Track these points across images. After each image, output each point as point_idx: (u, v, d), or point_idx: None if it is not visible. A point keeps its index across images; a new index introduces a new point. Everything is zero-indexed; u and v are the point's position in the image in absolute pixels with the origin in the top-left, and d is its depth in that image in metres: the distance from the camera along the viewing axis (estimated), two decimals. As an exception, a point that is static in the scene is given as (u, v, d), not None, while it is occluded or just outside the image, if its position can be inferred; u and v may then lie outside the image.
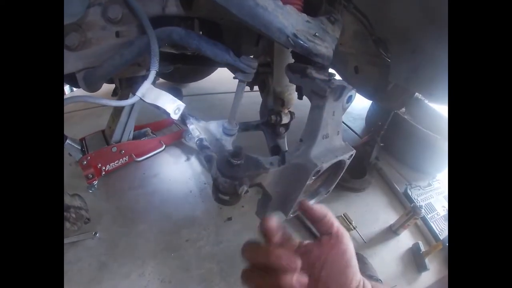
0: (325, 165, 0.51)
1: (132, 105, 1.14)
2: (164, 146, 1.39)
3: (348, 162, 0.63)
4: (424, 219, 1.43)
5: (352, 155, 0.61)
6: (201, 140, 0.63)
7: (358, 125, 2.24)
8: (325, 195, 0.68)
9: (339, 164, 0.61)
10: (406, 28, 0.82)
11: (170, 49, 1.08)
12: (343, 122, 2.21)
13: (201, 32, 1.31)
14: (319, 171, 0.50)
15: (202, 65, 1.58)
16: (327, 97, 0.52)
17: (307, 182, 0.51)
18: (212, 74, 2.14)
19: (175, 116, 0.62)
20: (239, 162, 0.43)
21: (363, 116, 2.26)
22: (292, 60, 0.84)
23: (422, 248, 1.29)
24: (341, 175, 0.66)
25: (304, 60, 0.58)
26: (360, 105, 2.33)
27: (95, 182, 1.17)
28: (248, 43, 1.12)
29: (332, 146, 0.56)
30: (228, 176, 0.42)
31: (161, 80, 2.03)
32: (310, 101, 0.55)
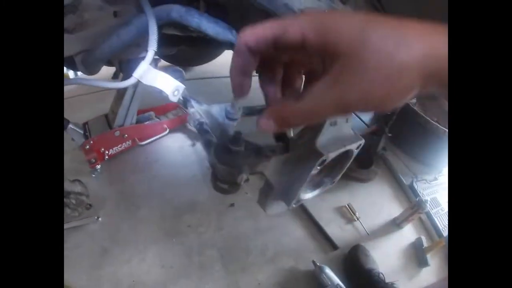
0: (332, 155, 0.48)
1: (135, 88, 1.11)
2: (167, 130, 1.37)
3: (356, 152, 0.59)
4: (428, 214, 1.40)
5: (360, 144, 0.58)
6: (201, 124, 0.60)
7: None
8: (330, 185, 0.66)
9: (347, 153, 0.57)
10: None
11: (174, 31, 1.03)
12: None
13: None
14: (325, 160, 0.47)
15: (207, 47, 1.53)
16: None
17: (312, 172, 0.48)
18: (218, 57, 2.07)
19: (174, 98, 0.60)
20: (238, 148, 0.40)
21: (371, 105, 2.19)
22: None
23: (425, 243, 1.26)
24: (348, 165, 0.63)
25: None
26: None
27: (98, 167, 1.16)
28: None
29: (340, 134, 0.53)
30: (226, 163, 0.39)
31: (164, 62, 1.99)
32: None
